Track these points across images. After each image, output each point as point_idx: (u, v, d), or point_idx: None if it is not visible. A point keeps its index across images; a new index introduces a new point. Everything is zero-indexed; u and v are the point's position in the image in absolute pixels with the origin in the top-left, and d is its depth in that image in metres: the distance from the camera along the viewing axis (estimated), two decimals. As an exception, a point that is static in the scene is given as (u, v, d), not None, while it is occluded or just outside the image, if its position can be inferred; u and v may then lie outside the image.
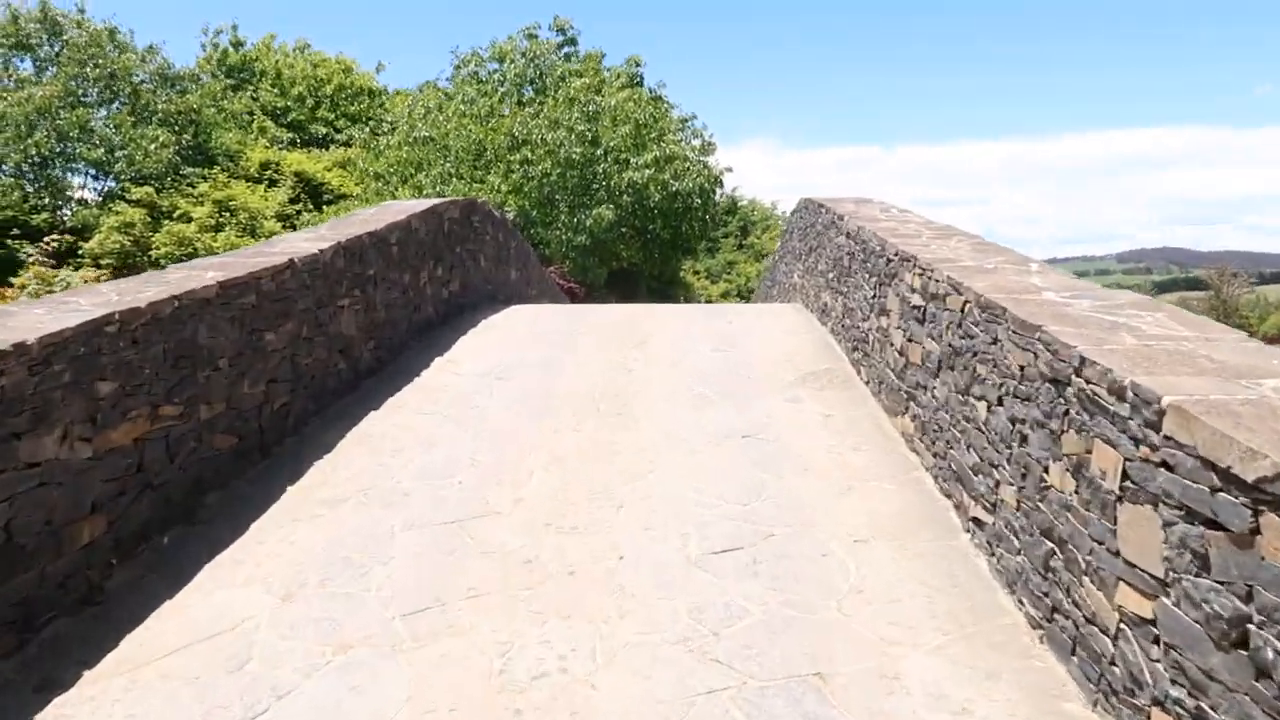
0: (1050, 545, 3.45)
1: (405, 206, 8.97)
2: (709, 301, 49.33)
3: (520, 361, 7.94)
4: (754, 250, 56.50)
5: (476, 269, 11.06)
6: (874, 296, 6.74)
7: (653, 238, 25.62)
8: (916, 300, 5.51)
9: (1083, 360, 3.16)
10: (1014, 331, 3.86)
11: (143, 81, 30.60)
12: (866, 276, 7.02)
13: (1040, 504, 3.55)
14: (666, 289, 35.81)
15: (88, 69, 28.67)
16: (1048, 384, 3.49)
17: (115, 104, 30.08)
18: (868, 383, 6.95)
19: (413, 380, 7.40)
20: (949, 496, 4.80)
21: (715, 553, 4.32)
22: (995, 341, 4.11)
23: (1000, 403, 4.03)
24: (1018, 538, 3.78)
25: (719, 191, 27.33)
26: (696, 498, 4.96)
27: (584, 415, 6.44)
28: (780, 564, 4.19)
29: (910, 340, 5.63)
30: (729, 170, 27.10)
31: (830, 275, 8.80)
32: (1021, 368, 3.77)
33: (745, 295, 52.32)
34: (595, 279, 23.61)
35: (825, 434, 6.00)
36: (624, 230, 24.94)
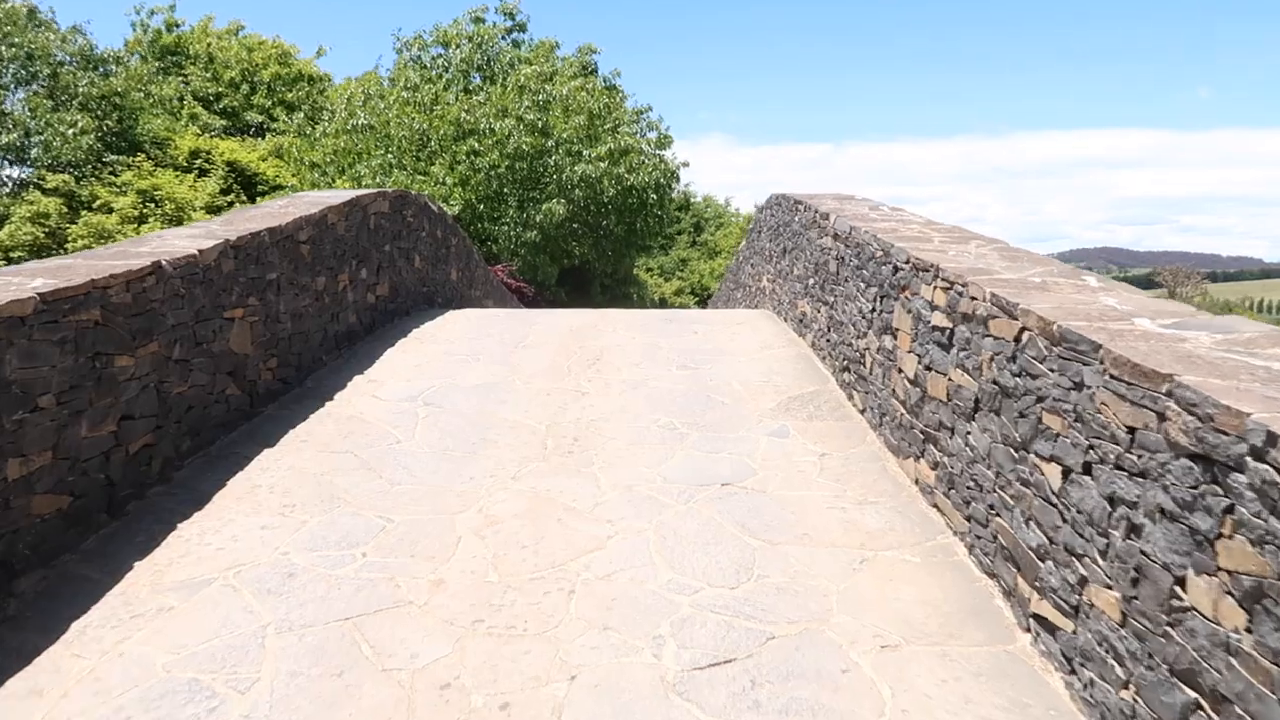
0: (1190, 696, 2.39)
1: (321, 198, 7.72)
2: (662, 300, 48.33)
3: (453, 383, 6.75)
4: (708, 248, 55.65)
5: (410, 269, 9.82)
6: (874, 311, 5.68)
7: (606, 234, 24.45)
8: (939, 320, 4.45)
9: (1272, 438, 2.10)
10: (1118, 378, 2.80)
11: (62, 63, 28.64)
12: (862, 286, 5.96)
13: (1171, 629, 2.49)
14: (620, 287, 34.70)
15: (1, 48, 26.73)
16: (1187, 461, 2.43)
17: (33, 86, 28.10)
18: (863, 411, 5.90)
19: (323, 406, 6.17)
20: (993, 576, 3.74)
21: (700, 668, 3.20)
22: (1079, 387, 3.05)
23: (1088, 471, 2.97)
24: (1124, 665, 2.73)
25: (675, 186, 26.25)
26: (671, 578, 3.84)
27: (527, 457, 5.28)
28: (788, 686, 3.09)
29: (929, 369, 4.58)
30: (685, 165, 26.03)
31: (811, 281, 7.75)
32: (1131, 430, 2.71)
33: (699, 293, 51.47)
34: (545, 277, 22.38)
35: (822, 481, 4.92)
36: (576, 226, 23.75)
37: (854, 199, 8.32)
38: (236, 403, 5.70)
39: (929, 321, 4.59)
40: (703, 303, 50.96)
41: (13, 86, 27.81)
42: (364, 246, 8.23)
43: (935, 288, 4.51)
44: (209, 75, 34.15)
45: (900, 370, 5.07)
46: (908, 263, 4.97)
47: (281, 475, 4.95)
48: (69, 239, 21.79)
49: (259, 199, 25.71)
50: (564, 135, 21.83)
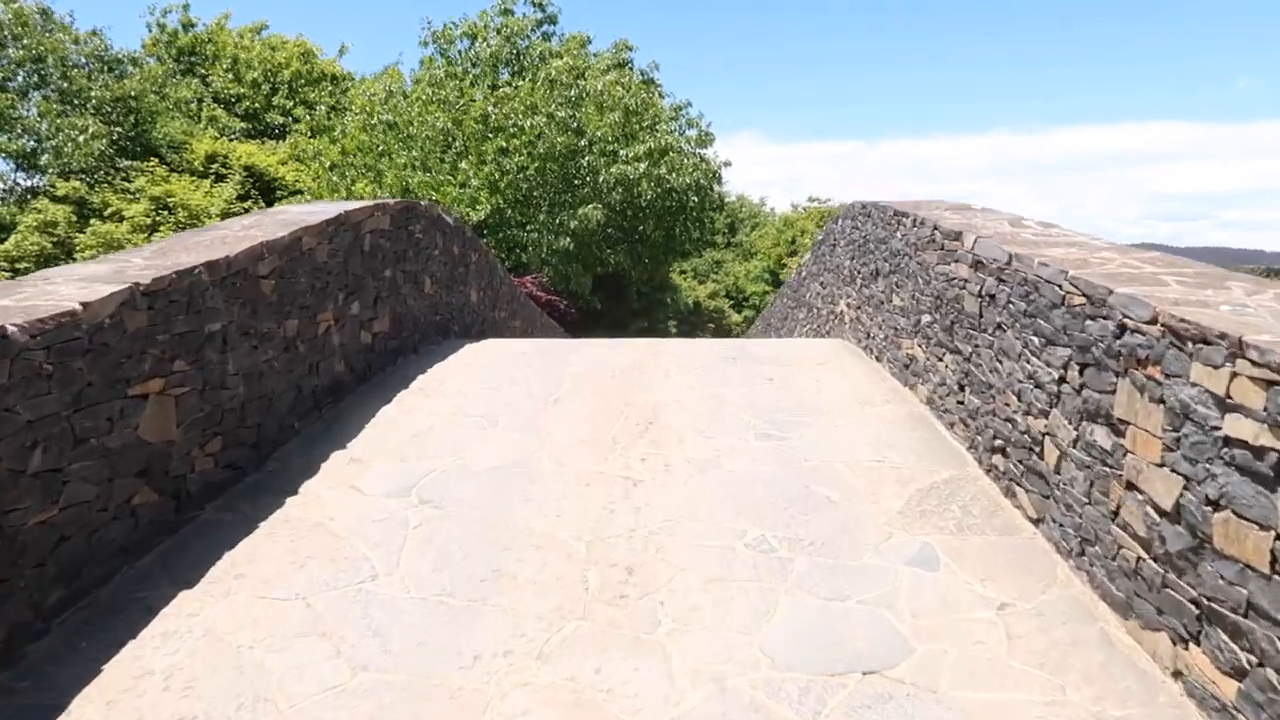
0: None
1: (297, 216, 6.05)
2: (696, 304, 46.46)
3: (462, 463, 5.05)
4: (743, 249, 53.79)
5: (419, 296, 8.16)
6: (1061, 381, 3.89)
7: (643, 240, 22.72)
8: (1246, 432, 2.66)
9: None
10: None
11: (76, 65, 27.53)
12: (1037, 342, 4.17)
13: None
14: (656, 294, 33.02)
15: (10, 50, 25.66)
16: None
17: (45, 90, 27.00)
18: (1039, 520, 4.12)
19: (281, 506, 4.50)
20: None
21: None
22: None
23: None
24: None
25: (717, 188, 24.46)
26: None
27: (560, 609, 3.55)
28: None
29: (1217, 506, 2.79)
30: (727, 164, 24.23)
31: (925, 319, 5.96)
32: None
33: (734, 295, 49.61)
34: (579, 287, 20.69)
35: (1020, 667, 3.15)
36: (611, 231, 22.05)
37: (975, 209, 6.51)
38: (151, 513, 4.04)
39: (1214, 428, 2.80)
40: (737, 306, 49.14)
41: (25, 91, 26.73)
42: (356, 274, 6.57)
43: (1233, 374, 2.72)
44: (230, 76, 32.94)
45: (1135, 488, 3.28)
46: (1154, 323, 3.18)
47: (190, 649, 3.27)
48: (77, 249, 20.58)
49: (277, 204, 24.38)
50: (598, 134, 20.13)
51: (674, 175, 20.72)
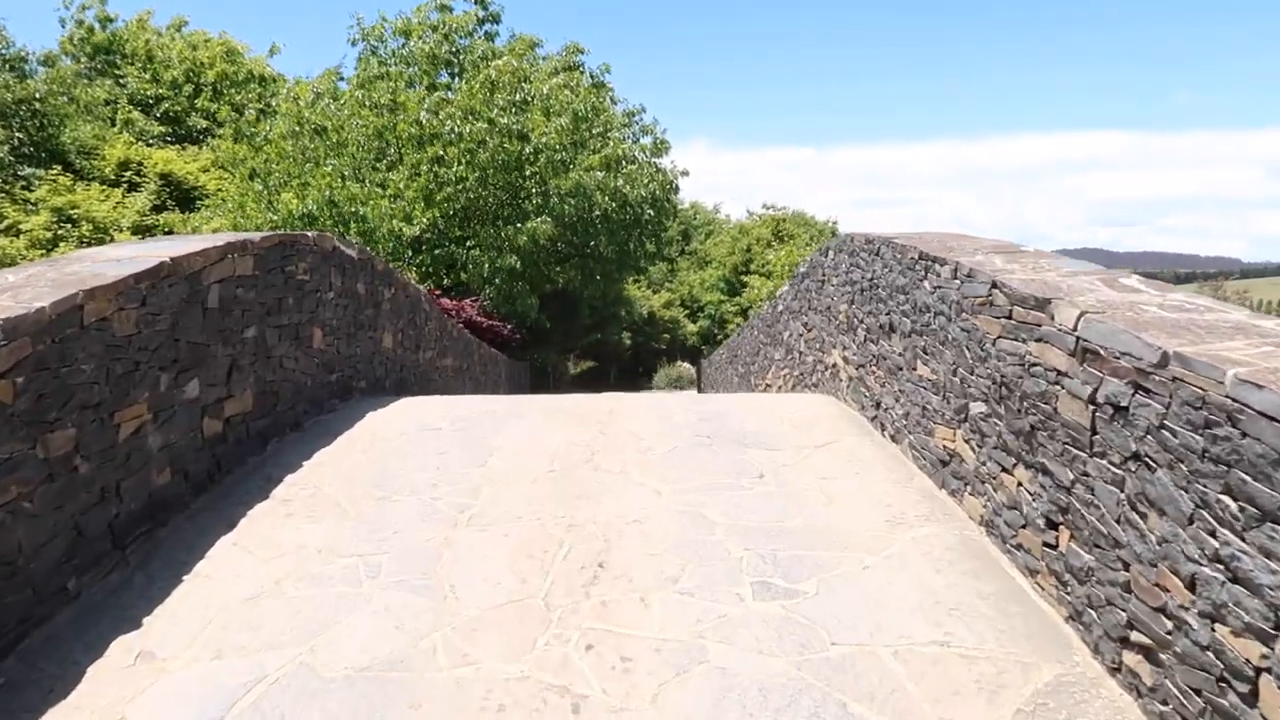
0: None
1: (93, 270, 4.19)
2: (651, 315, 44.71)
3: (308, 666, 3.26)
4: (697, 257, 52.28)
5: (303, 354, 6.34)
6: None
7: (594, 256, 20.97)
8: None
9: None
10: None
11: (-32, 65, 25.13)
12: (1236, 508, 2.53)
13: None
14: (610, 309, 31.29)
15: (-108, 50, 23.25)
16: None
17: (-64, 93, 24.53)
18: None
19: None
20: None
21: None
22: None
23: None
24: None
25: (675, 200, 22.81)
26: None
27: None
28: None
29: None
30: (685, 174, 22.60)
31: (981, 410, 4.33)
32: None
33: (689, 305, 48.01)
34: (524, 309, 18.85)
35: None
36: (561, 247, 20.27)
37: (1026, 251, 4.90)
38: None
39: None
40: (692, 316, 47.51)
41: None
42: (194, 342, 4.75)
43: None
44: (148, 76, 30.52)
45: None
46: None
47: None
48: (-45, 269, 18.21)
49: (195, 215, 22.25)
50: (545, 141, 18.33)
51: (630, 187, 19.03)
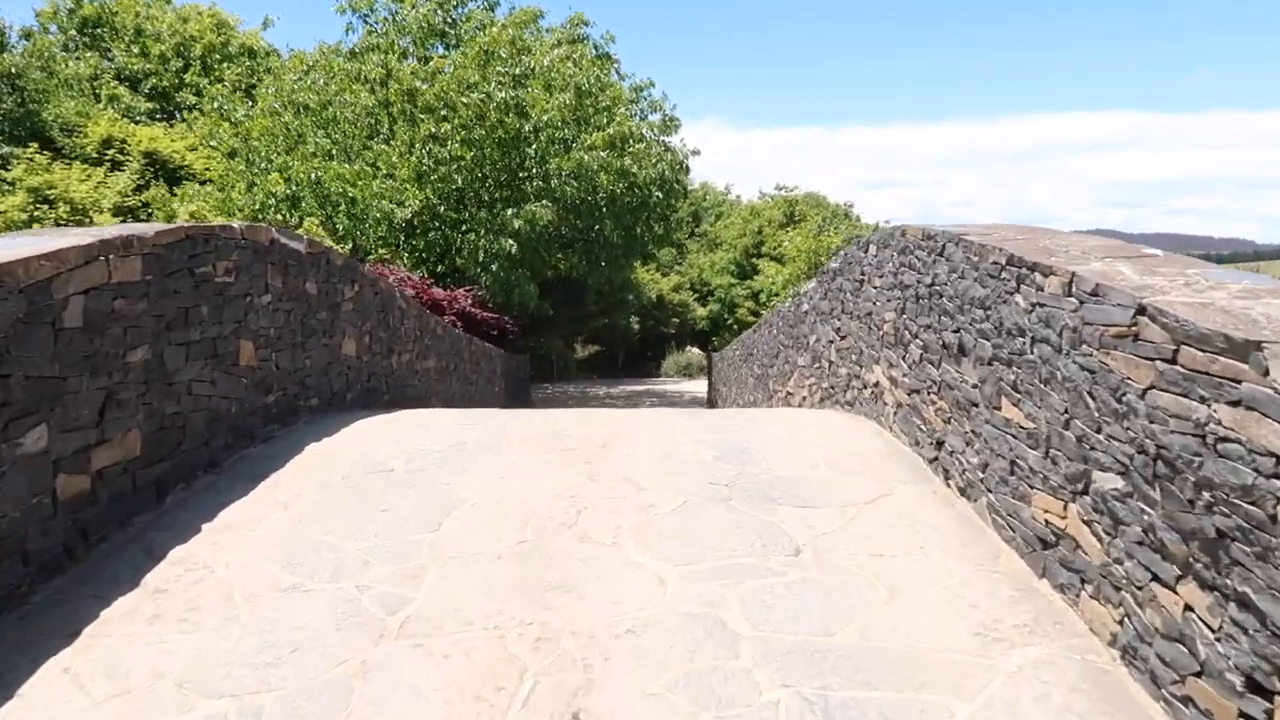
0: None
1: None
2: (660, 299, 43.31)
3: None
4: (708, 239, 50.75)
5: (223, 375, 5.11)
6: None
7: (599, 241, 19.67)
8: None
9: None
10: None
11: (-56, 39, 23.96)
12: None
13: None
14: (617, 295, 30.02)
15: None
16: None
17: (-91, 67, 23.39)
18: None
19: None
20: None
21: None
22: None
23: None
24: None
25: (685, 181, 21.45)
26: None
27: None
28: None
29: None
30: (696, 153, 21.22)
31: (1118, 485, 3.07)
32: None
33: (698, 289, 46.53)
34: (524, 298, 17.60)
35: None
36: (564, 231, 18.97)
37: (1154, 255, 3.62)
38: None
39: None
40: (702, 299, 46.06)
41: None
42: (37, 376, 3.52)
43: None
44: (136, 50, 29.19)
45: None
46: None
47: None
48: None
49: (172, 197, 21.03)
50: (545, 118, 17.01)
51: (637, 167, 17.71)
